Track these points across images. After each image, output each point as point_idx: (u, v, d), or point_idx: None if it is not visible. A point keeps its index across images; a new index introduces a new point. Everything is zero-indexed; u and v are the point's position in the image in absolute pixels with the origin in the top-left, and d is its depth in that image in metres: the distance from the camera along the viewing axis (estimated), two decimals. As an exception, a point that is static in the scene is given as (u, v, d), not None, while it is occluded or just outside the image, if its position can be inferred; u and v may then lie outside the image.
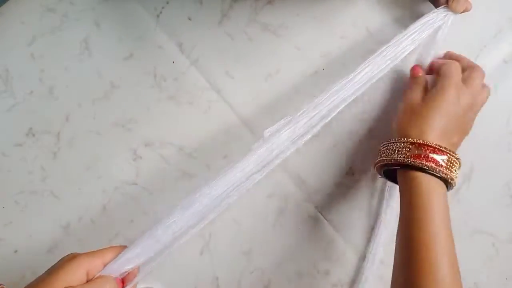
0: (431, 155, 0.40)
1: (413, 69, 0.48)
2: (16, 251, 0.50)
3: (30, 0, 0.53)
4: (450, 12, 0.46)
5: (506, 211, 0.49)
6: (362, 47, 0.51)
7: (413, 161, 0.40)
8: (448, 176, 0.40)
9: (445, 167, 0.40)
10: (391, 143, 0.43)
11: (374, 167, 0.46)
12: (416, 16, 0.48)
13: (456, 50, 0.47)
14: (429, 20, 0.46)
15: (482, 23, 0.47)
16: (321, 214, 0.50)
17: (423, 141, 0.41)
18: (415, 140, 0.41)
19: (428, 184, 0.40)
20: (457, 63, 0.45)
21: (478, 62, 0.50)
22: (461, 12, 0.46)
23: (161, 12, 0.53)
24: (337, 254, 0.49)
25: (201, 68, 0.52)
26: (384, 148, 0.44)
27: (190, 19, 0.53)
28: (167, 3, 0.53)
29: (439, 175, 0.40)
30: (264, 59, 0.52)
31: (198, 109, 0.52)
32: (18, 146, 0.51)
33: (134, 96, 0.52)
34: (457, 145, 0.44)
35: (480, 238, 0.48)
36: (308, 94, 0.51)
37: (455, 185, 0.41)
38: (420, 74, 0.47)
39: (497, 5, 0.51)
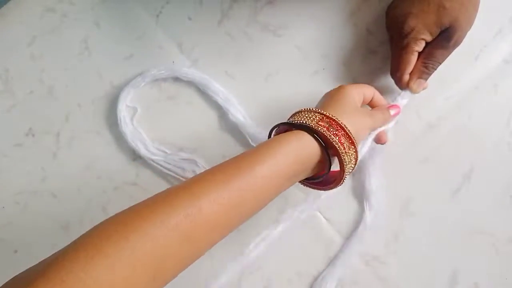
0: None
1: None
2: (16, 251, 0.50)
3: (30, 0, 0.53)
4: (411, 95, 0.47)
5: (506, 211, 0.49)
6: (362, 47, 0.51)
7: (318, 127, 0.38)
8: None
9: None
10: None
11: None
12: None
13: (456, 51, 0.47)
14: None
15: (482, 23, 0.47)
16: (321, 214, 0.50)
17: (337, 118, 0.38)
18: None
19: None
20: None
21: (478, 62, 0.51)
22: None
23: (161, 12, 0.53)
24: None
25: (201, 68, 0.52)
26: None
27: (190, 19, 0.53)
28: (167, 3, 0.53)
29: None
30: (264, 59, 0.52)
31: (198, 109, 0.52)
32: (18, 146, 0.51)
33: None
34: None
35: (480, 238, 0.48)
36: (308, 94, 0.51)
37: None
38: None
39: (497, 5, 0.51)
